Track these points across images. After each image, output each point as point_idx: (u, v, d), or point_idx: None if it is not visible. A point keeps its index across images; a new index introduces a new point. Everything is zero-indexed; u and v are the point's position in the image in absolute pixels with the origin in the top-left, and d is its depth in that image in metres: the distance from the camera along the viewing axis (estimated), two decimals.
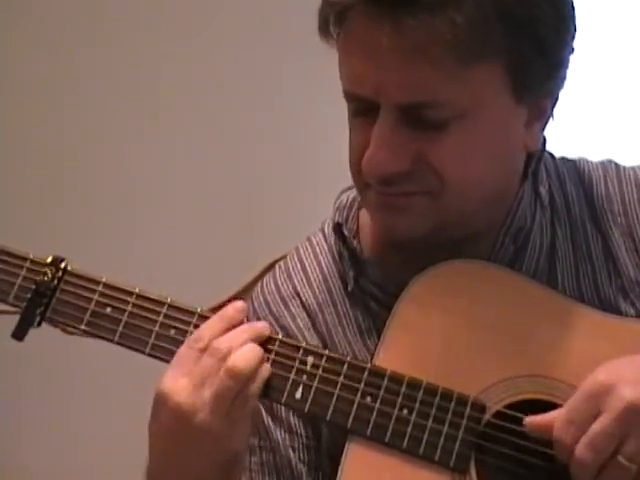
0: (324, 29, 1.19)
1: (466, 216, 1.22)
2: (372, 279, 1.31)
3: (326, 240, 1.37)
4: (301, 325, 1.33)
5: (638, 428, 1.08)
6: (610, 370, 1.13)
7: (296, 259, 1.37)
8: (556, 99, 1.24)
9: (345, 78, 1.20)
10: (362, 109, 1.20)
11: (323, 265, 1.35)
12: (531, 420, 1.15)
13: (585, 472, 1.10)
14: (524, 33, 1.15)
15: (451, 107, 1.16)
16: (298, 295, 1.34)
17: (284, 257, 1.40)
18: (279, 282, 1.36)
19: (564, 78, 1.23)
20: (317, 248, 1.37)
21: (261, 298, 1.36)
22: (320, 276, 1.35)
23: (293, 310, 1.34)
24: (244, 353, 1.16)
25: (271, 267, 1.42)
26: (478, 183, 1.20)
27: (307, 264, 1.36)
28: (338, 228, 1.34)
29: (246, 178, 2.60)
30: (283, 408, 1.30)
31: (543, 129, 1.26)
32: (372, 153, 1.18)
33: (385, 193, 1.21)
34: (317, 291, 1.34)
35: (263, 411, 1.30)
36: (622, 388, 1.10)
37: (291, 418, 1.30)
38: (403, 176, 1.18)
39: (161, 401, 1.17)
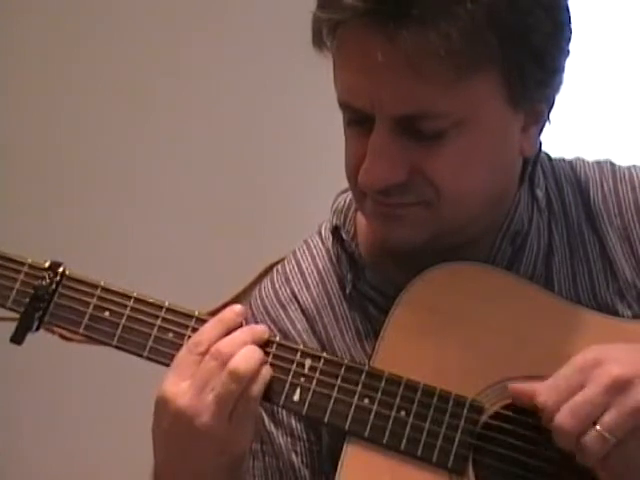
0: (318, 41, 1.18)
1: (463, 224, 1.22)
2: (370, 282, 1.31)
3: (323, 243, 1.37)
4: (300, 329, 1.33)
5: (620, 402, 1.09)
6: (600, 349, 1.14)
7: (294, 262, 1.37)
8: (552, 103, 1.24)
9: (340, 89, 1.20)
10: (357, 119, 1.20)
11: (321, 268, 1.35)
12: (515, 386, 1.16)
13: (564, 438, 1.11)
14: (520, 43, 1.15)
15: (447, 118, 1.15)
16: (296, 299, 1.34)
17: (282, 260, 1.40)
18: (277, 286, 1.36)
19: (560, 82, 1.22)
20: (314, 251, 1.37)
21: (259, 302, 1.36)
22: (318, 279, 1.35)
23: (291, 314, 1.34)
24: (245, 355, 1.17)
25: (269, 270, 1.42)
26: (474, 192, 1.20)
27: (305, 267, 1.36)
28: (336, 231, 1.35)
29: (244, 181, 2.60)
30: (284, 412, 1.30)
31: (540, 133, 1.26)
32: (368, 165, 1.18)
33: (382, 203, 1.21)
34: (315, 294, 1.34)
35: (264, 415, 1.31)
36: (610, 364, 1.11)
37: (292, 422, 1.31)
38: (400, 187, 1.18)
39: (163, 405, 1.17)
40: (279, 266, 1.39)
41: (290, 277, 1.36)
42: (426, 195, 1.19)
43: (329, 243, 1.36)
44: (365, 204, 1.24)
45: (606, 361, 1.12)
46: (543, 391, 1.13)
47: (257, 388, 1.17)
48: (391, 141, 1.17)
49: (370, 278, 1.31)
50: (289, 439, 1.31)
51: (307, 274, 1.36)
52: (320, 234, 1.38)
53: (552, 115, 1.25)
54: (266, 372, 1.18)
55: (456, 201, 1.19)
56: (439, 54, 1.11)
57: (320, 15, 1.17)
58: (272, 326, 1.32)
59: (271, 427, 1.31)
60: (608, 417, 1.09)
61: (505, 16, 1.13)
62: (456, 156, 1.17)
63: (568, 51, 1.21)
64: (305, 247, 1.38)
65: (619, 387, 1.10)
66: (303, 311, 1.34)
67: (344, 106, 1.21)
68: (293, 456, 1.31)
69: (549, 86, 1.21)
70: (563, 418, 1.11)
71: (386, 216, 1.22)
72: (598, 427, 1.09)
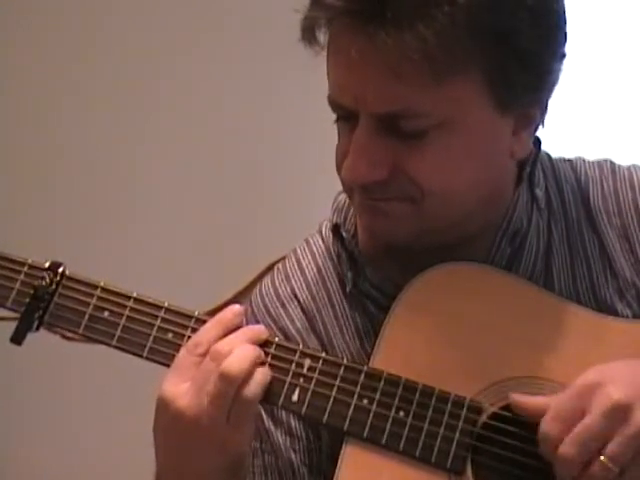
0: (307, 37, 1.19)
1: (454, 222, 1.22)
2: (370, 280, 1.31)
3: (324, 241, 1.37)
4: (299, 327, 1.33)
5: (623, 428, 1.09)
6: (600, 371, 1.14)
7: (294, 261, 1.38)
8: (545, 107, 1.23)
9: (329, 86, 1.21)
10: (345, 116, 1.21)
11: (321, 266, 1.36)
12: (519, 398, 1.16)
13: (568, 469, 1.11)
14: (503, 47, 1.14)
15: (428, 118, 1.16)
16: (296, 297, 1.35)
17: (282, 259, 1.40)
18: (277, 284, 1.36)
19: (554, 85, 1.21)
20: (315, 249, 1.37)
21: (259, 300, 1.36)
22: (318, 277, 1.35)
23: (291, 312, 1.34)
24: (237, 356, 1.17)
25: (269, 269, 1.42)
26: (459, 192, 1.20)
27: (305, 266, 1.36)
28: (336, 229, 1.35)
29: (244, 180, 2.60)
30: (283, 411, 1.29)
31: (532, 136, 1.25)
32: (350, 162, 1.19)
33: (367, 197, 1.22)
34: (315, 293, 1.34)
35: (263, 414, 1.31)
36: (610, 387, 1.11)
37: (291, 421, 1.31)
38: (382, 184, 1.19)
39: (163, 406, 1.18)
40: (280, 264, 1.39)
41: (290, 275, 1.36)
42: (409, 192, 1.20)
43: (329, 241, 1.36)
44: (353, 198, 1.25)
45: (606, 384, 1.11)
46: (545, 422, 1.12)
47: (252, 389, 1.17)
48: (373, 139, 1.18)
49: (370, 276, 1.31)
50: (288, 438, 1.31)
51: (307, 272, 1.36)
52: (321, 233, 1.39)
53: (548, 117, 1.24)
54: (262, 373, 1.18)
55: (440, 199, 1.19)
56: (415, 57, 1.11)
57: (308, 14, 1.18)
58: (272, 324, 1.33)
59: (270, 425, 1.31)
60: (611, 446, 1.09)
61: (485, 19, 1.13)
62: (438, 156, 1.18)
63: (562, 54, 1.20)
64: (305, 245, 1.39)
65: (620, 412, 1.09)
66: (303, 309, 1.34)
67: (333, 103, 1.22)
68: (292, 455, 1.31)
69: (539, 89, 1.20)
70: (566, 449, 1.10)
71: (371, 209, 1.23)
72: (602, 458, 1.09)
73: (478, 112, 1.18)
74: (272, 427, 1.31)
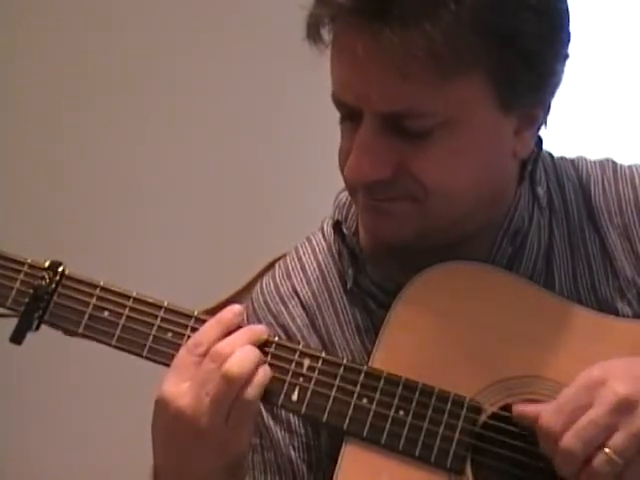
0: (312, 35, 1.19)
1: (456, 222, 1.22)
2: (371, 278, 1.32)
3: (325, 239, 1.37)
4: (300, 324, 1.33)
5: (628, 422, 1.09)
6: (604, 367, 1.13)
7: (295, 258, 1.38)
8: (548, 107, 1.23)
9: (333, 83, 1.21)
10: (348, 114, 1.21)
11: (322, 264, 1.36)
12: (519, 408, 1.16)
13: (570, 462, 1.10)
14: (507, 47, 1.14)
15: (433, 117, 1.16)
16: (297, 294, 1.35)
17: (284, 256, 1.40)
18: (278, 281, 1.37)
19: (557, 85, 1.21)
20: (316, 247, 1.37)
21: (260, 298, 1.37)
22: (319, 275, 1.35)
23: (292, 309, 1.34)
24: (239, 357, 1.17)
25: (271, 266, 1.42)
26: (462, 191, 1.20)
27: (306, 263, 1.37)
28: (338, 226, 1.35)
29: (245, 178, 2.60)
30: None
31: (534, 136, 1.25)
32: (353, 161, 1.19)
33: (370, 197, 1.21)
34: (316, 290, 1.34)
35: (263, 410, 1.31)
36: (615, 382, 1.10)
37: (291, 417, 1.31)
38: (385, 183, 1.19)
39: (163, 406, 1.17)
40: (281, 261, 1.40)
41: (291, 272, 1.37)
42: (413, 191, 1.19)
43: (331, 239, 1.36)
44: (357, 198, 1.25)
45: (610, 379, 1.10)
46: (547, 415, 1.12)
47: (253, 391, 1.17)
48: (377, 138, 1.18)
49: (371, 273, 1.32)
50: (287, 434, 1.31)
51: (308, 269, 1.36)
52: (322, 230, 1.39)
53: (550, 117, 1.24)
54: (263, 374, 1.18)
55: (443, 198, 1.19)
56: (420, 56, 1.11)
57: (313, 11, 1.18)
58: (272, 321, 1.33)
59: (270, 422, 1.31)
60: (616, 439, 1.08)
61: (490, 19, 1.13)
62: (443, 156, 1.17)
63: (566, 55, 1.20)
64: (307, 243, 1.39)
65: (625, 407, 1.09)
66: (304, 306, 1.34)
67: (336, 101, 1.21)
68: (291, 451, 1.31)
69: (542, 90, 1.20)
70: (569, 442, 1.09)
71: (374, 210, 1.23)
72: (607, 450, 1.08)
73: (482, 112, 1.18)
74: (272, 423, 1.31)
